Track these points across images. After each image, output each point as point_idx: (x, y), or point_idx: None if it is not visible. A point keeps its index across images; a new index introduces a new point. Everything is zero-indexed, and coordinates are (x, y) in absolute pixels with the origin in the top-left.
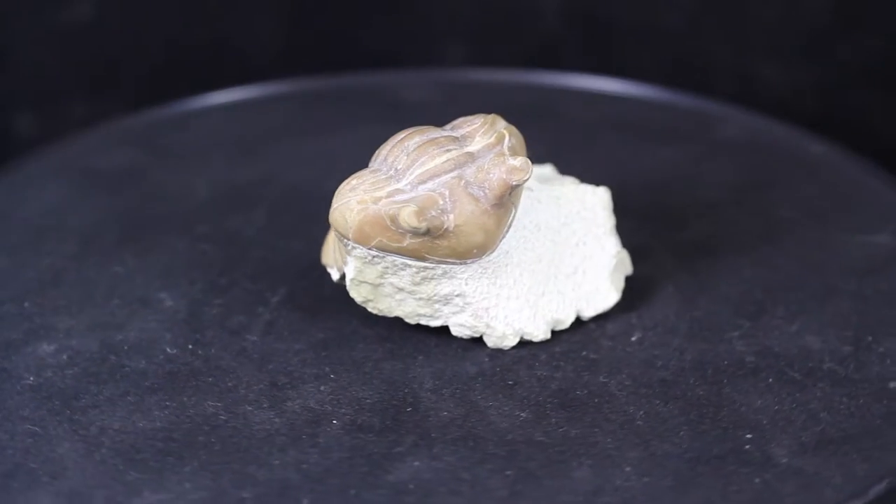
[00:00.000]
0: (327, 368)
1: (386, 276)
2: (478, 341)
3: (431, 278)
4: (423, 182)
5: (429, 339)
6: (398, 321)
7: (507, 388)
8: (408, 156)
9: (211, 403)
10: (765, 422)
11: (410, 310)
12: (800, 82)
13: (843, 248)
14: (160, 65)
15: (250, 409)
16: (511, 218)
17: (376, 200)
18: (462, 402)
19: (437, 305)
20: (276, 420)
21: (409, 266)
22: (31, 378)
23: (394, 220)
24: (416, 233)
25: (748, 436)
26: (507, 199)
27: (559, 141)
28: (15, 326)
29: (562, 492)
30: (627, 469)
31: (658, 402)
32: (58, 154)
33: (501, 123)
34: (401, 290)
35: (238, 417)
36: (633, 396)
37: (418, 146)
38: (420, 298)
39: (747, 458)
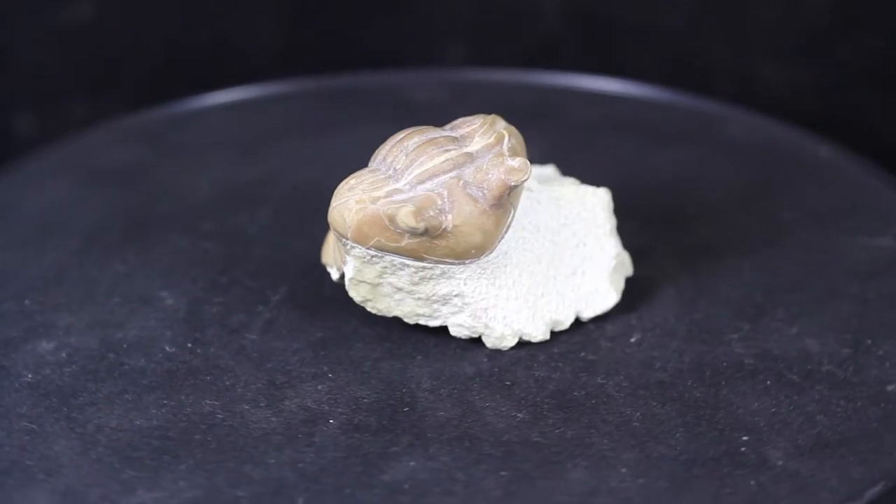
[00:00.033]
0: (325, 368)
1: (385, 275)
2: (477, 342)
3: (430, 278)
4: (422, 182)
5: (428, 339)
6: (398, 321)
7: (504, 388)
8: (407, 156)
9: (208, 402)
10: (761, 424)
11: (409, 309)
12: (800, 82)
13: (845, 251)
14: (160, 65)
15: (247, 407)
16: (510, 218)
17: (375, 200)
18: (459, 402)
19: (435, 305)
20: (273, 419)
21: (408, 266)
22: (30, 375)
23: (392, 219)
24: (414, 233)
25: (744, 438)
26: (505, 199)
27: (560, 141)
28: (15, 324)
29: (556, 493)
30: (623, 470)
31: (655, 403)
32: (60, 153)
33: (501, 124)
34: (399, 289)
35: (235, 416)
36: (631, 398)
37: (417, 146)
38: (419, 298)
39: (743, 460)
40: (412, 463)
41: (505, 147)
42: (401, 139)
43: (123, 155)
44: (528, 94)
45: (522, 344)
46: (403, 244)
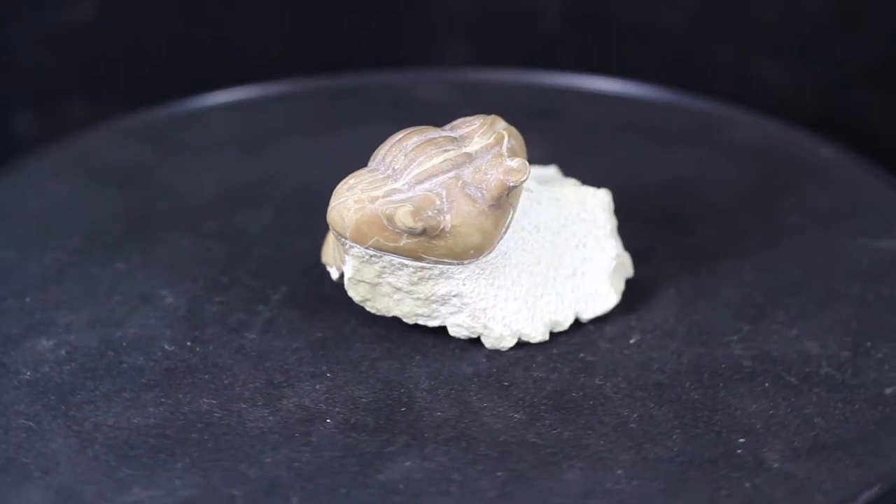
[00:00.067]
0: (324, 367)
1: (384, 275)
2: (476, 342)
3: (429, 278)
4: (421, 182)
5: (427, 339)
6: (397, 321)
7: (502, 389)
8: (406, 156)
9: (206, 401)
10: (758, 426)
11: (408, 309)
12: (800, 82)
13: (847, 253)
14: (160, 65)
15: (245, 406)
16: (509, 219)
17: (373, 200)
18: (457, 402)
19: (434, 305)
20: (270, 418)
21: (407, 266)
22: (29, 373)
23: (390, 219)
24: (412, 233)
25: (741, 440)
26: (504, 200)
27: (560, 142)
28: (15, 321)
29: (551, 493)
30: (619, 472)
31: (653, 405)
32: (61, 152)
33: (501, 124)
34: (398, 289)
35: (232, 415)
36: (628, 399)
37: (416, 146)
38: (418, 298)
39: (739, 462)
40: (408, 463)
41: (504, 148)
42: (400, 139)
43: (124, 154)
44: (528, 94)
45: (521, 344)
46: (402, 244)
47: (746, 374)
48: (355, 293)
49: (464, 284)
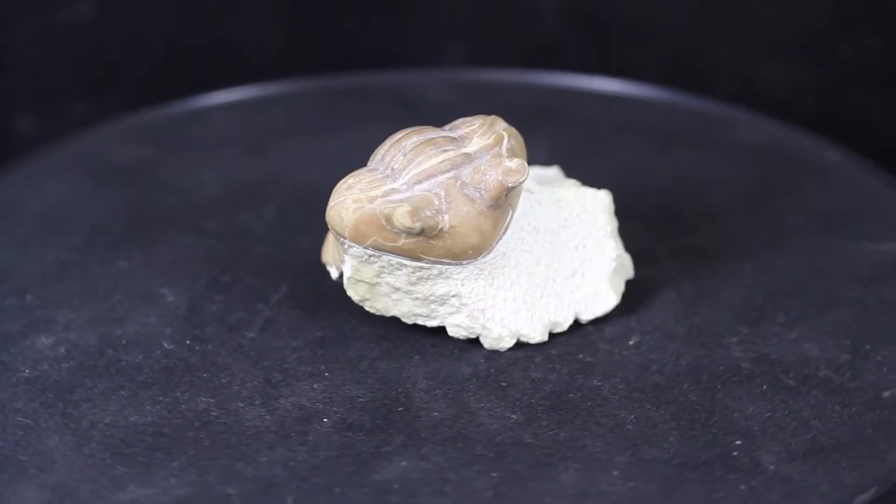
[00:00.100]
0: (322, 366)
1: (382, 275)
2: (475, 342)
3: (427, 278)
4: (419, 182)
5: (426, 339)
6: (397, 320)
7: (500, 389)
8: (404, 155)
9: (203, 399)
10: (755, 428)
11: (407, 309)
12: (800, 82)
13: (848, 256)
14: (160, 65)
15: (242, 405)
16: (508, 220)
17: (372, 199)
18: (454, 402)
19: (433, 306)
20: (267, 417)
21: (405, 266)
22: (27, 371)
23: (388, 219)
24: (410, 232)
25: (738, 442)
26: (503, 200)
27: (561, 142)
28: (15, 319)
29: (546, 494)
30: (614, 473)
31: (650, 406)
32: (62, 151)
33: (501, 125)
34: (397, 289)
35: (229, 414)
36: (626, 400)
37: (415, 146)
38: (416, 298)
39: (735, 464)
40: (404, 463)
41: (503, 148)
42: (399, 139)
43: (126, 154)
44: (529, 94)
45: (520, 345)
46: (400, 244)
47: (745, 376)
48: (354, 293)
49: (462, 285)
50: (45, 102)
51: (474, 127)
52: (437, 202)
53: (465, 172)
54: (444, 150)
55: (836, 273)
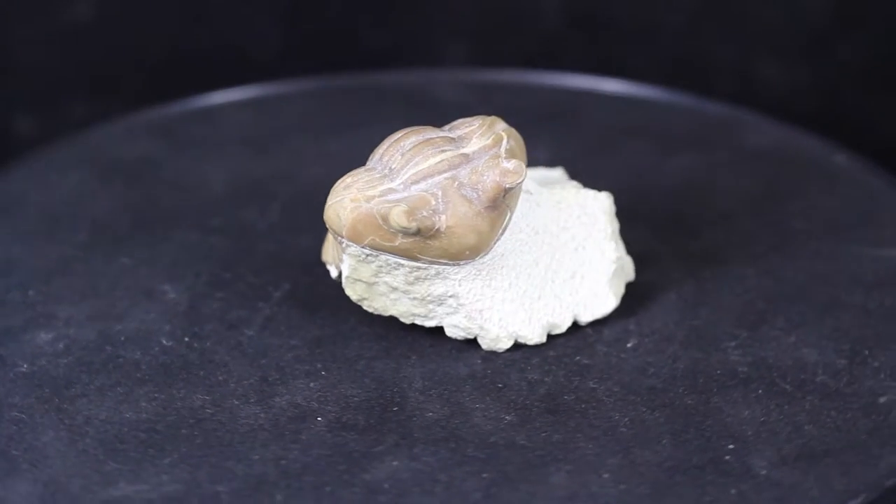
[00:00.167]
0: (319, 365)
1: (380, 274)
2: (473, 343)
3: (425, 278)
4: (417, 182)
5: (424, 339)
6: (397, 320)
7: (495, 390)
8: (402, 155)
9: (199, 396)
10: (749, 433)
11: (405, 309)
12: (800, 82)
13: (852, 261)
14: (160, 65)
15: (237, 403)
16: (506, 220)
17: (369, 199)
18: (448, 403)
19: (431, 306)
20: (262, 415)
21: (403, 265)
22: (25, 366)
23: (385, 219)
24: (406, 232)
25: (730, 446)
26: (500, 201)
27: (563, 143)
28: (16, 314)
29: (536, 496)
30: (605, 476)
31: (644, 409)
32: (66, 149)
33: (500, 125)
34: (395, 289)
35: (224, 411)
36: (620, 403)
37: (414, 146)
38: (414, 298)
39: (726, 468)
40: (395, 462)
41: (502, 149)
42: (398, 139)
43: (130, 151)
44: (529, 94)
45: (518, 346)
46: (397, 244)
47: (741, 380)
48: (352, 292)
49: (460, 285)
50: (45, 103)
51: (473, 127)
52: (433, 202)
53: (463, 173)
54: (443, 151)
55: (839, 278)
